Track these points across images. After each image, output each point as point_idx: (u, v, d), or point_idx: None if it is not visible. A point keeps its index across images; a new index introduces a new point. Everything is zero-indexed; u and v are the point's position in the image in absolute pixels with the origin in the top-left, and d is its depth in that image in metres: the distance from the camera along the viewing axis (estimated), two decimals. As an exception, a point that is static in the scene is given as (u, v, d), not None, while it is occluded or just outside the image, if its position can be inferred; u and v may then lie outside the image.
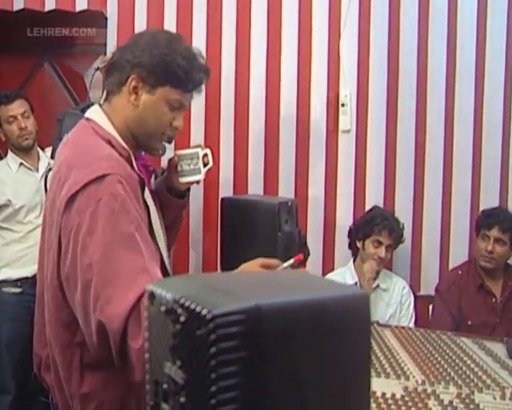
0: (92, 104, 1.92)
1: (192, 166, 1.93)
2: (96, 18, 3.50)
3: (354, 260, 3.22)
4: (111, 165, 1.57)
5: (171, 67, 1.69)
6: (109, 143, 1.66)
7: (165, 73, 1.70)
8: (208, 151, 1.99)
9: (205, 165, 1.96)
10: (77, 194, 1.51)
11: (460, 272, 3.17)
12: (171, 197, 1.98)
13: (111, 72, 1.75)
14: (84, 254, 1.48)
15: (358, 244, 3.14)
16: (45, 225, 1.68)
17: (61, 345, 1.60)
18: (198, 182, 1.97)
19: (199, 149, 1.94)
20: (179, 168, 1.94)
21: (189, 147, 2.06)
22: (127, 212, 1.52)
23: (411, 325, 3.11)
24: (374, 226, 3.06)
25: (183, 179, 1.96)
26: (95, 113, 1.75)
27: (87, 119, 1.75)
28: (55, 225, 1.57)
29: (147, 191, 1.69)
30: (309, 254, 3.17)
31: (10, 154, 3.33)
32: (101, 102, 1.81)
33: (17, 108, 3.26)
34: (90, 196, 1.50)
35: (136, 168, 1.68)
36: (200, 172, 1.94)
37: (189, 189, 2.03)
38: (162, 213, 1.89)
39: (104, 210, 1.49)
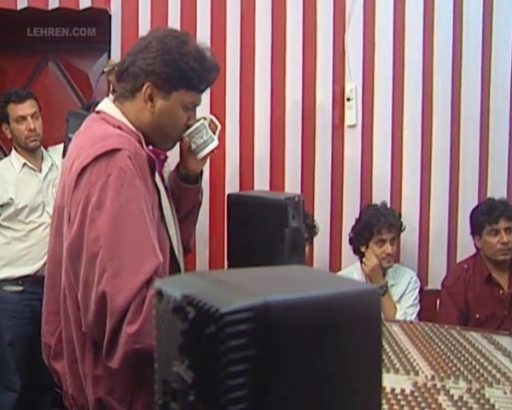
0: (96, 102, 1.93)
1: (204, 138, 1.93)
2: (99, 17, 3.49)
3: (361, 262, 3.22)
4: (121, 141, 1.60)
5: (184, 71, 1.72)
6: (119, 128, 1.69)
7: (179, 78, 1.72)
8: (212, 117, 2.01)
9: (213, 131, 1.97)
10: (87, 167, 1.54)
11: (466, 265, 3.16)
12: (187, 185, 1.99)
13: (123, 78, 1.77)
14: (91, 227, 1.50)
15: (363, 249, 3.15)
16: (55, 208, 1.71)
17: (75, 323, 1.61)
18: (214, 150, 1.97)
19: (203, 120, 1.94)
20: (193, 146, 1.94)
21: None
22: (136, 188, 1.55)
23: (414, 315, 3.11)
24: (372, 228, 3.07)
25: (202, 153, 1.96)
26: (105, 106, 1.79)
27: (97, 111, 1.78)
28: (65, 203, 1.60)
29: (157, 176, 1.70)
30: (316, 234, 3.19)
31: (14, 153, 3.32)
32: (112, 99, 1.83)
33: (28, 108, 3.24)
34: (101, 169, 1.53)
35: (146, 149, 1.70)
36: (213, 140, 1.95)
37: (201, 174, 2.04)
38: (179, 206, 1.93)
39: (114, 184, 1.51)
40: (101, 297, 1.47)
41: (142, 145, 1.69)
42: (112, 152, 1.55)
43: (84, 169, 1.55)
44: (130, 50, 1.79)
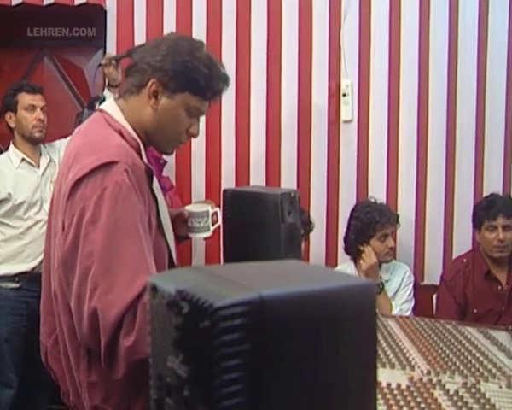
0: (101, 100, 1.93)
1: (202, 224, 1.99)
2: (95, 15, 3.49)
3: (355, 261, 3.22)
4: (119, 153, 1.56)
5: (192, 74, 1.68)
6: (120, 133, 1.66)
7: (186, 80, 1.69)
8: (218, 210, 2.04)
9: (213, 223, 2.02)
10: (83, 179, 1.51)
11: (465, 260, 3.16)
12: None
13: (131, 72, 1.75)
14: (85, 242, 1.48)
15: (362, 247, 3.13)
16: (52, 211, 1.69)
17: (69, 331, 1.60)
18: (205, 238, 2.02)
19: (209, 208, 2.00)
20: (189, 224, 1.99)
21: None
22: (131, 202, 1.52)
23: (409, 311, 3.12)
24: (376, 224, 3.07)
25: (192, 235, 2.03)
26: (109, 106, 1.76)
27: (100, 110, 1.75)
28: (60, 210, 1.58)
29: (155, 183, 1.68)
30: (311, 230, 3.21)
31: (12, 148, 3.30)
32: (116, 97, 1.81)
33: (39, 100, 3.29)
34: (96, 183, 1.50)
35: (144, 159, 1.68)
36: (208, 230, 2.00)
37: (186, 237, 2.10)
38: None
39: (109, 199, 1.49)
40: (92, 313, 1.45)
41: (140, 154, 1.67)
42: (108, 165, 1.51)
43: (78, 181, 1.52)
44: (140, 47, 1.78)
